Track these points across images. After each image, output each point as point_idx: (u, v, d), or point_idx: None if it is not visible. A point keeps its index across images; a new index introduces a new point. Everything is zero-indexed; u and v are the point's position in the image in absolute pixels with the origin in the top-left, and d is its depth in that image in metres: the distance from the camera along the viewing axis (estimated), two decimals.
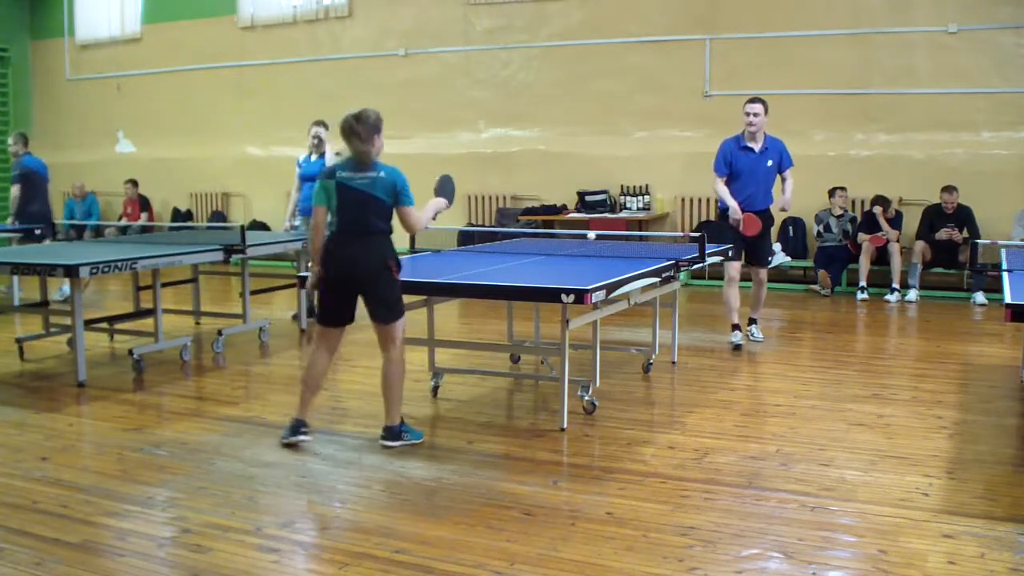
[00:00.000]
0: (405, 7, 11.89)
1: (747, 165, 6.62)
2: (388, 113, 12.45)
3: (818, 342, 7.15)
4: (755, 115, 6.54)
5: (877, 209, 9.37)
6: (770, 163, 6.66)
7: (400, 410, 4.41)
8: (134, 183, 12.99)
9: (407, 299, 5.29)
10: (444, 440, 4.62)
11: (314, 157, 7.90)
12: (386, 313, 4.31)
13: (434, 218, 4.63)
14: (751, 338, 6.87)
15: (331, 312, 4.40)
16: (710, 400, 5.33)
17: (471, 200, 11.56)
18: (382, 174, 4.25)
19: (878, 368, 6.23)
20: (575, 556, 3.18)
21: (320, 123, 7.90)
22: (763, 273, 6.86)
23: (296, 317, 8.20)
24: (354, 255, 4.24)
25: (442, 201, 4.71)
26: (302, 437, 4.43)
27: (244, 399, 5.49)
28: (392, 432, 4.38)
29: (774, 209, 6.79)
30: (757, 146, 6.63)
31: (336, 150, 7.87)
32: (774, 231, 9.99)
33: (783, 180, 6.75)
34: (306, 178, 7.91)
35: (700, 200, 10.50)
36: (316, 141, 7.85)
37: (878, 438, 4.54)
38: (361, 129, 4.23)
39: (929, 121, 9.59)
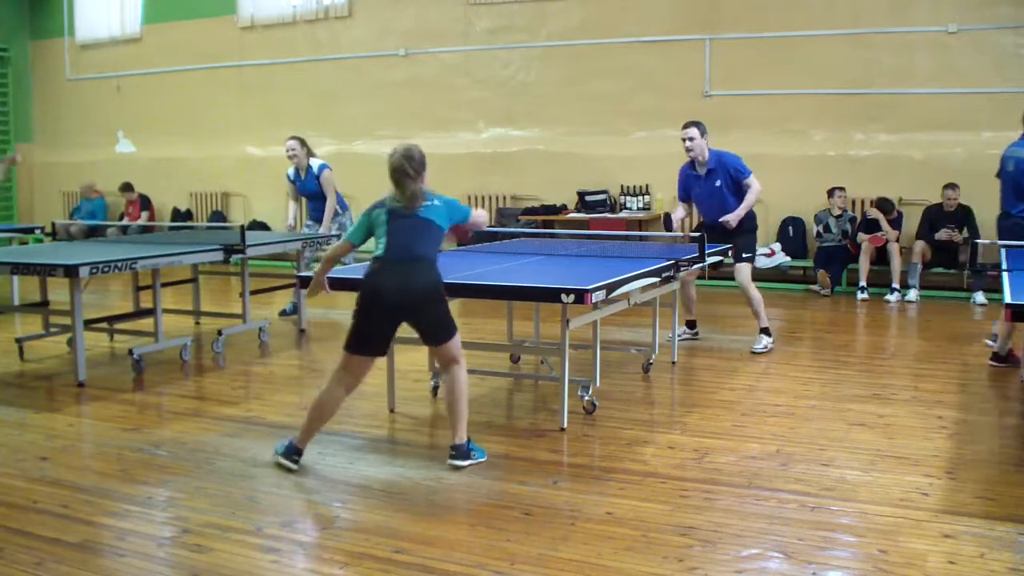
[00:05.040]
0: (405, 7, 11.89)
1: (697, 191, 6.67)
2: (388, 113, 12.53)
3: (818, 342, 7.15)
4: (689, 139, 6.46)
5: (875, 213, 9.36)
6: (718, 183, 6.52)
7: (465, 426, 4.15)
8: (129, 187, 12.95)
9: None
10: (444, 440, 4.60)
11: (303, 174, 8.00)
12: (441, 335, 4.16)
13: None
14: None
15: (366, 341, 4.11)
16: (710, 400, 5.33)
17: (471, 200, 11.56)
18: (436, 202, 4.16)
19: (878, 368, 6.23)
20: (575, 556, 3.18)
21: (292, 137, 8.02)
22: (737, 272, 6.65)
23: (284, 313, 8.26)
24: (406, 282, 4.02)
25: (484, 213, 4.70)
26: (289, 464, 4.09)
27: (244, 399, 5.49)
28: (461, 451, 4.10)
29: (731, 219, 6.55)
30: (701, 170, 6.59)
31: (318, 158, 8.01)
32: (773, 230, 10.06)
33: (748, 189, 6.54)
34: (304, 195, 8.13)
35: None
36: (291, 153, 7.93)
37: (878, 438, 4.54)
38: (412, 168, 4.11)
39: (929, 121, 9.59)
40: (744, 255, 6.62)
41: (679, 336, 6.73)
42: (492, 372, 5.92)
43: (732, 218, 6.47)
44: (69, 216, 13.65)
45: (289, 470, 4.10)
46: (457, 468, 4.06)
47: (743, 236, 6.60)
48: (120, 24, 13.77)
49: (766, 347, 6.60)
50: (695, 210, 7.02)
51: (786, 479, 3.95)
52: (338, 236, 8.01)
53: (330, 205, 7.95)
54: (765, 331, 6.65)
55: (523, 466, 4.17)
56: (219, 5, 12.93)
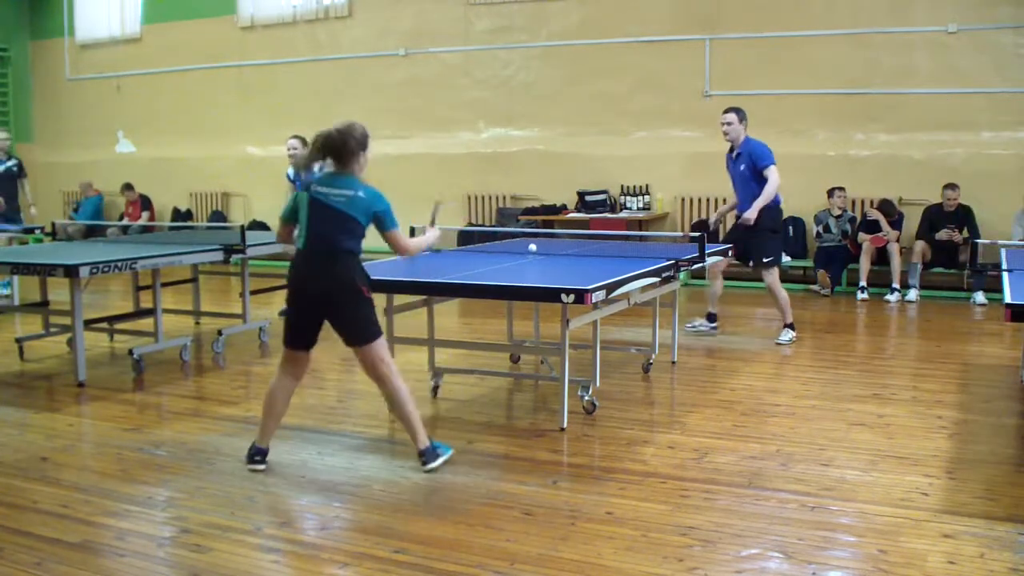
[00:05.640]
0: (405, 7, 11.89)
1: (731, 172, 7.02)
2: (388, 113, 12.50)
3: (818, 342, 7.15)
4: (727, 124, 6.81)
5: (875, 214, 9.35)
6: (743, 167, 6.82)
7: (423, 430, 4.09)
8: (130, 187, 12.96)
9: (407, 299, 5.31)
10: (444, 440, 4.59)
11: (303, 173, 7.95)
12: (356, 335, 3.99)
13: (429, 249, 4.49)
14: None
15: (294, 333, 4.11)
16: (710, 400, 5.33)
17: (471, 200, 11.56)
18: (360, 194, 3.92)
19: (878, 368, 6.23)
20: (575, 556, 3.18)
21: (294, 136, 8.00)
22: (764, 276, 6.92)
23: (284, 313, 8.26)
24: (319, 274, 3.94)
25: (436, 232, 4.56)
26: (258, 466, 4.10)
27: (244, 399, 5.49)
28: (428, 453, 4.06)
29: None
30: (734, 153, 6.92)
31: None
32: None
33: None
34: None
35: (700, 200, 10.50)
36: (292, 152, 7.93)
37: (878, 438, 4.54)
38: (341, 143, 3.92)
39: (929, 121, 9.59)
40: (766, 259, 6.82)
41: (696, 325, 7.14)
42: (492, 372, 5.92)
43: (750, 214, 6.67)
44: (69, 216, 13.64)
45: (257, 471, 4.09)
46: (432, 471, 4.02)
47: (762, 236, 6.77)
48: (120, 24, 13.77)
49: (792, 339, 6.89)
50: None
51: (786, 479, 3.95)
52: None
53: None
54: (791, 326, 6.95)
55: (523, 466, 4.17)
56: (219, 5, 12.92)
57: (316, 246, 3.95)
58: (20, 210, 9.66)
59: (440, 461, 4.08)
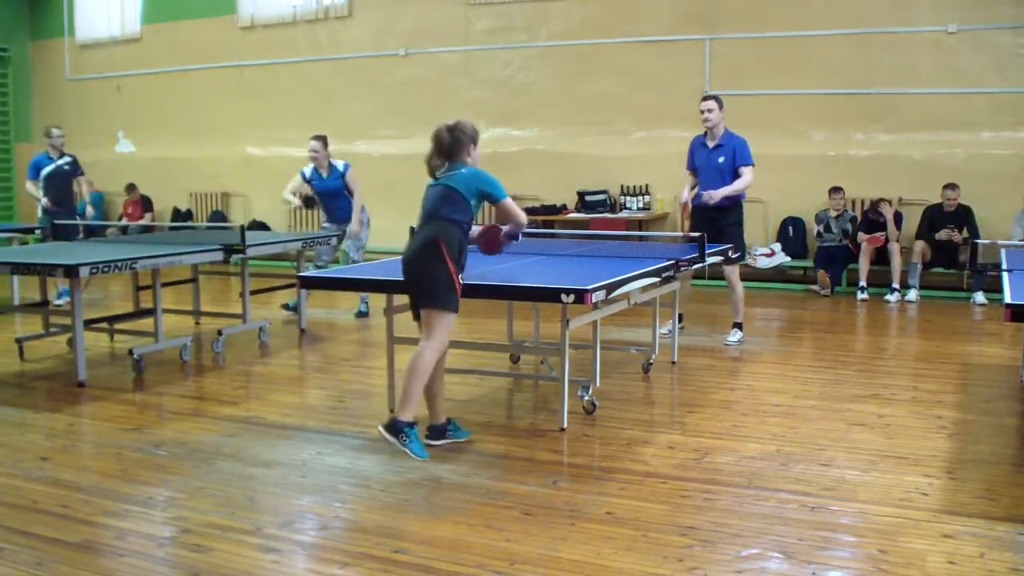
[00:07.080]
0: (405, 7, 11.89)
1: (702, 161, 6.94)
2: (388, 113, 12.53)
3: (818, 342, 7.15)
4: (708, 111, 6.78)
5: (887, 209, 9.32)
6: (721, 159, 6.78)
7: (414, 411, 4.15)
8: (132, 187, 12.98)
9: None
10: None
11: (324, 174, 7.93)
12: (425, 295, 4.17)
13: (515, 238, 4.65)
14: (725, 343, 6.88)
15: (412, 306, 4.32)
16: (710, 400, 5.33)
17: None
18: (463, 170, 4.30)
19: (878, 368, 6.23)
20: (575, 556, 3.18)
21: (315, 137, 7.96)
22: (726, 269, 6.80)
23: (286, 307, 8.27)
24: (414, 237, 4.26)
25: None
26: (433, 442, 4.36)
27: (244, 399, 5.48)
28: (394, 427, 4.15)
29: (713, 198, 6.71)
30: (711, 143, 6.86)
31: (331, 161, 7.96)
32: (773, 230, 10.07)
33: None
34: (322, 193, 8.06)
35: None
36: (313, 155, 7.89)
37: (878, 438, 4.54)
38: (452, 140, 4.35)
39: (929, 121, 9.59)
40: (734, 255, 6.68)
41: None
42: (492, 372, 5.92)
43: (716, 194, 6.62)
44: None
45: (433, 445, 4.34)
46: (386, 442, 4.15)
47: (730, 230, 6.76)
48: (120, 24, 13.76)
49: (741, 340, 6.85)
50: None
51: (786, 479, 3.95)
52: (339, 236, 8.01)
53: (358, 200, 8.01)
54: (740, 326, 6.93)
55: (523, 466, 4.17)
56: (219, 5, 12.92)
57: (420, 219, 4.28)
58: (75, 209, 9.42)
59: (401, 448, 4.13)
